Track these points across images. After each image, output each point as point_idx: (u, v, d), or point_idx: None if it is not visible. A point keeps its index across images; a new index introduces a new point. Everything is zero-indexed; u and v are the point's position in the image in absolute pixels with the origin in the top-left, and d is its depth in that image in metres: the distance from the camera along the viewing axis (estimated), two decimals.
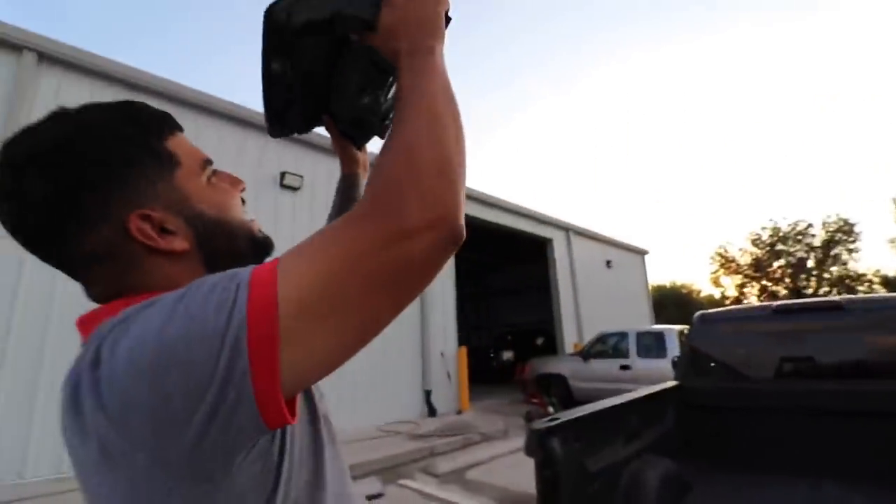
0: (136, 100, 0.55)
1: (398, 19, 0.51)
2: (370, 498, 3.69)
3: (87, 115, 0.50)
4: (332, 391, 6.64)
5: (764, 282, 29.96)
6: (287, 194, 6.92)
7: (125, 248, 0.47)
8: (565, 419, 1.88)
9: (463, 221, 0.43)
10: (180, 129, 0.56)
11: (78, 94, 5.31)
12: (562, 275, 12.51)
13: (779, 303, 3.21)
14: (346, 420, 6.78)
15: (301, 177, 6.98)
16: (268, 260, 0.44)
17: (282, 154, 7.02)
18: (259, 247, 0.60)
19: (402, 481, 4.44)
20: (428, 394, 7.94)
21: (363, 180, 0.90)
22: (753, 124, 58.54)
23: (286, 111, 0.73)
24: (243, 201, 0.61)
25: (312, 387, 0.56)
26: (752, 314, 3.40)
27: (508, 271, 17.92)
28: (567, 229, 13.12)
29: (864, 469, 2.46)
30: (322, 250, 0.40)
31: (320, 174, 7.44)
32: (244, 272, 0.40)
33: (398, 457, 5.26)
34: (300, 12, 0.58)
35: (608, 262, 14.61)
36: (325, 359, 0.40)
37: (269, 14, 0.59)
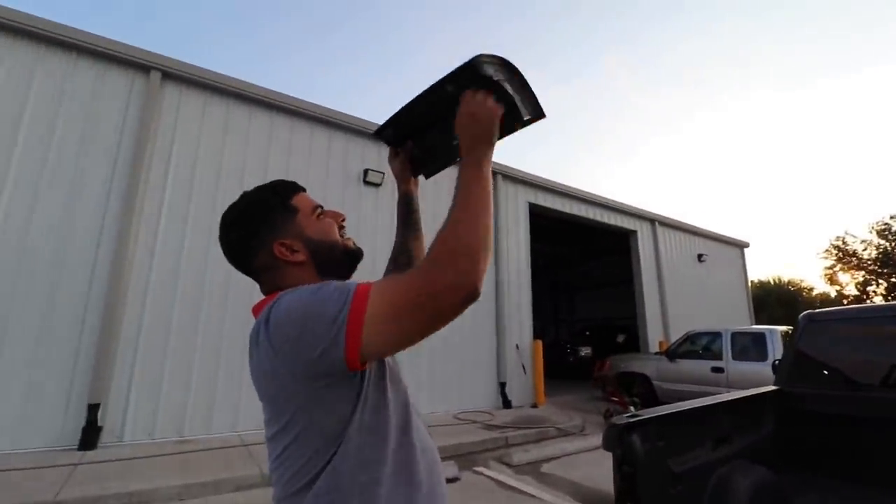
0: (281, 179, 0.94)
1: (463, 127, 0.84)
2: (447, 481, 3.83)
3: (252, 195, 0.89)
4: (412, 378, 6.92)
5: (893, 279, 25.85)
6: (370, 189, 7.29)
7: (274, 262, 0.84)
8: (648, 416, 1.83)
9: (480, 285, 0.67)
10: (303, 189, 0.93)
11: (194, 105, 6.02)
12: (646, 268, 11.82)
13: None
14: (423, 406, 7.04)
15: (382, 173, 7.31)
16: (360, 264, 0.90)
17: (364, 153, 7.41)
18: (351, 255, 0.91)
19: (476, 468, 4.54)
20: (503, 385, 7.97)
21: (416, 196, 1.22)
22: (878, 94, 50.33)
23: (395, 124, 1.02)
24: (342, 227, 0.93)
25: (391, 379, 0.82)
26: (869, 315, 3.01)
27: (589, 264, 17.29)
28: (653, 220, 12.34)
29: None
30: (392, 289, 0.68)
31: None
32: (354, 285, 0.69)
33: (473, 444, 5.37)
34: (500, 78, 0.83)
35: (700, 256, 13.51)
36: (384, 342, 0.69)
37: (479, 63, 0.81)
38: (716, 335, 7.42)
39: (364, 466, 0.70)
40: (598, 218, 11.04)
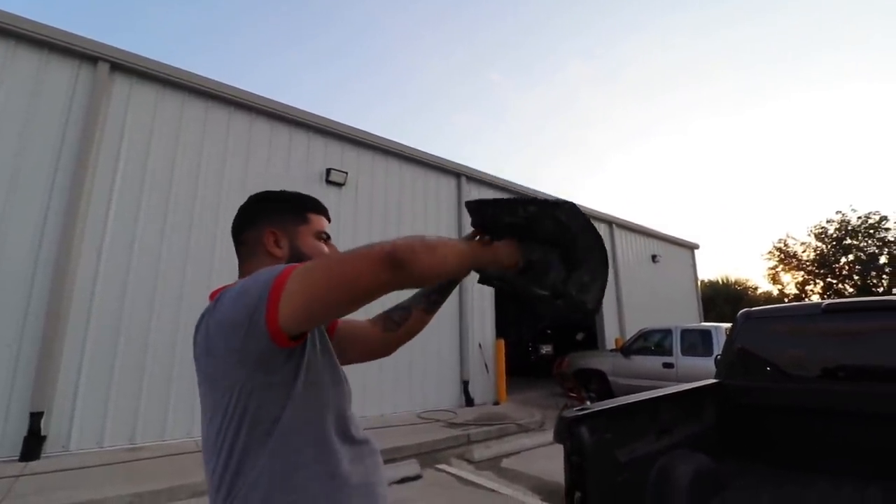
0: (317, 199, 1.02)
1: (501, 250, 0.95)
2: (408, 479, 3.88)
3: (285, 192, 1.00)
4: (374, 379, 6.92)
5: (829, 279, 27.89)
6: (332, 189, 7.22)
7: (257, 244, 0.92)
8: (596, 409, 1.94)
9: (399, 262, 0.71)
10: (328, 216, 1.02)
11: (146, 99, 5.77)
12: None
13: (829, 302, 3.08)
14: (386, 406, 7.05)
15: (345, 173, 7.26)
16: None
17: (327, 151, 7.32)
18: None
19: (439, 466, 4.61)
20: (465, 384, 8.09)
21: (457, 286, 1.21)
22: (822, 107, 54.22)
23: (483, 211, 1.04)
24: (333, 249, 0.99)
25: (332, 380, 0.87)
26: (800, 313, 3.27)
27: None
28: (611, 223, 12.81)
29: None
30: (321, 267, 0.73)
31: (364, 170, 7.70)
32: (280, 269, 0.73)
33: (436, 442, 5.44)
34: (577, 230, 0.90)
35: (654, 257, 14.14)
36: (296, 315, 0.70)
37: (575, 212, 0.89)
38: (667, 332, 7.82)
39: (289, 458, 0.75)
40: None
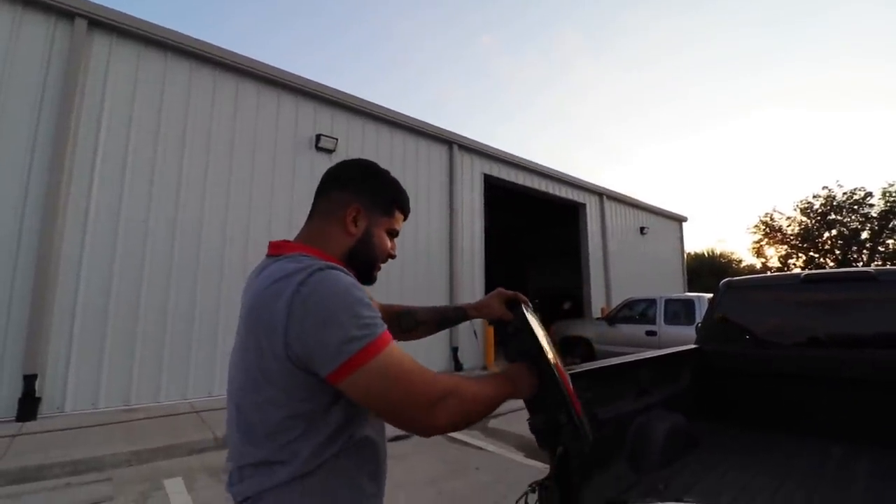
0: (407, 196, 1.00)
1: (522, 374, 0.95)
2: (398, 438, 4.04)
3: (389, 177, 0.98)
4: None
5: (811, 253, 28.47)
6: (322, 156, 7.12)
7: (335, 214, 0.89)
8: (579, 370, 2.03)
9: (432, 433, 0.74)
10: (407, 214, 1.00)
11: (127, 59, 5.57)
12: (593, 240, 12.40)
13: (808, 272, 3.18)
14: None
15: (335, 139, 7.14)
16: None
17: (316, 117, 7.18)
18: (367, 277, 0.94)
19: None
20: (455, 350, 8.29)
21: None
22: (814, 83, 53.91)
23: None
24: (392, 256, 0.98)
25: None
26: (780, 283, 3.38)
27: (540, 235, 17.83)
28: (601, 194, 12.86)
29: (876, 434, 2.52)
30: (402, 372, 0.71)
31: (354, 137, 7.58)
32: (382, 328, 0.73)
33: None
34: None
35: (642, 229, 14.30)
36: (359, 393, 0.70)
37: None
38: (651, 302, 8.02)
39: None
40: (551, 191, 11.37)
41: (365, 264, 0.91)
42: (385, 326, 0.73)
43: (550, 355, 0.97)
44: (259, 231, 6.34)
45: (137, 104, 5.57)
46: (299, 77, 6.93)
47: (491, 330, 8.72)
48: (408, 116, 8.29)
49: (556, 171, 11.39)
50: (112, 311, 5.14)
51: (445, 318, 1.20)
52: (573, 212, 12.73)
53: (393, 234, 0.96)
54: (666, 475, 2.08)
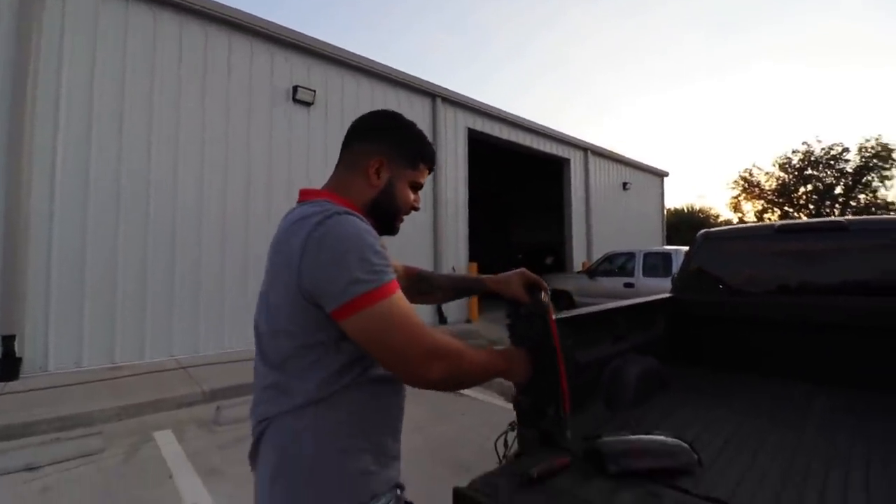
0: (433, 151, 1.00)
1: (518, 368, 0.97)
2: None
3: (415, 129, 0.98)
4: None
5: (786, 208, 29.14)
6: (300, 109, 6.86)
7: (359, 165, 0.91)
8: (559, 317, 2.09)
9: (426, 384, 0.78)
10: (432, 168, 1.01)
11: (84, 3, 5.15)
12: (576, 195, 12.45)
13: (782, 222, 3.26)
14: None
15: (313, 91, 6.86)
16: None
17: (293, 68, 6.85)
18: (388, 228, 0.96)
19: None
20: (439, 304, 8.42)
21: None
22: (811, 37, 53.21)
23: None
24: (415, 209, 0.99)
25: None
26: (755, 233, 3.47)
27: (524, 191, 17.81)
28: (585, 149, 12.80)
29: (838, 375, 2.70)
30: (402, 322, 0.75)
31: (333, 88, 7.29)
32: (390, 277, 0.76)
33: None
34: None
35: (625, 185, 14.38)
36: (358, 333, 0.74)
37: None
38: (630, 255, 8.20)
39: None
40: (535, 146, 11.26)
41: (387, 215, 0.93)
42: (394, 275, 0.76)
43: (557, 349, 0.99)
44: (236, 187, 6.18)
45: (100, 54, 5.21)
46: (273, 24, 6.54)
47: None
48: (389, 67, 7.97)
49: (541, 126, 11.23)
50: (89, 269, 5.03)
51: (463, 287, 1.24)
52: (557, 167, 12.68)
53: (416, 187, 0.97)
54: (638, 413, 2.20)
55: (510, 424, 1.80)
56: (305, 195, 0.89)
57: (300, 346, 0.77)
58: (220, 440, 3.33)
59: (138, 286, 5.35)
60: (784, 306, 2.96)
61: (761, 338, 3.02)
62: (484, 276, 1.19)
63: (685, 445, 1.69)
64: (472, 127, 9.60)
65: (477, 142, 9.98)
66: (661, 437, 1.73)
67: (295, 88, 6.71)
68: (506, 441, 1.82)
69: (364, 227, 0.77)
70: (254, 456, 0.84)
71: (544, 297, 1.07)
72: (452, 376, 0.79)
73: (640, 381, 2.42)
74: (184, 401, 4.14)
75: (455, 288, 1.24)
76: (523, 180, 16.65)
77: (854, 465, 1.70)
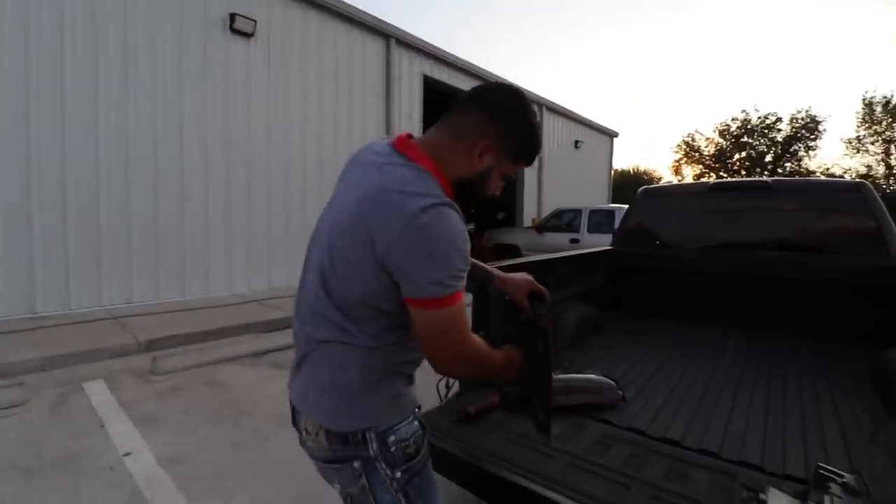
0: (538, 145, 0.96)
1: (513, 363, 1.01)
2: None
3: (531, 124, 0.92)
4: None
5: (722, 173, 30.94)
6: (239, 41, 6.27)
7: (468, 138, 0.87)
8: (501, 264, 2.14)
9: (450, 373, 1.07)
10: (529, 165, 1.01)
11: None
12: None
13: (715, 181, 3.46)
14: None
15: (254, 21, 6.27)
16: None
17: None
18: (468, 205, 0.93)
19: None
20: None
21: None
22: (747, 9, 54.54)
23: None
24: (495, 196, 0.99)
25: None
26: (690, 190, 3.67)
27: None
28: (541, 104, 12.75)
29: (754, 321, 2.98)
30: (452, 331, 0.81)
31: (276, 20, 6.68)
32: (462, 285, 0.80)
33: None
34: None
35: (577, 143, 14.60)
36: (416, 322, 0.82)
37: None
38: (577, 212, 8.47)
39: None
40: None
41: (470, 196, 0.93)
42: (464, 282, 0.80)
43: (549, 363, 1.06)
44: (168, 131, 5.66)
45: None
46: None
47: None
48: (340, 1, 7.40)
49: (500, 77, 11.01)
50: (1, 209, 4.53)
51: (479, 274, 1.24)
52: None
53: (504, 176, 0.96)
54: (572, 354, 2.34)
55: None
56: (403, 146, 0.87)
57: (365, 303, 0.83)
58: (157, 389, 3.23)
59: (58, 231, 4.89)
60: (709, 259, 3.19)
61: (688, 287, 3.26)
62: (494, 272, 1.21)
63: (612, 382, 1.83)
64: (428, 74, 9.24)
65: (433, 91, 9.66)
66: (591, 376, 1.86)
67: (232, 16, 6.09)
68: (447, 383, 1.89)
69: (461, 227, 0.79)
70: (296, 371, 0.93)
71: (545, 309, 1.09)
72: (470, 376, 1.10)
73: (577, 326, 2.56)
74: (117, 351, 3.95)
75: (474, 277, 1.23)
76: None
77: (757, 393, 1.92)
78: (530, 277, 1.15)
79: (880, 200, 2.83)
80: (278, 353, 4.11)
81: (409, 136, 0.91)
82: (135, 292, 5.44)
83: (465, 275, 0.79)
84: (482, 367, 0.90)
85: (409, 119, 8.86)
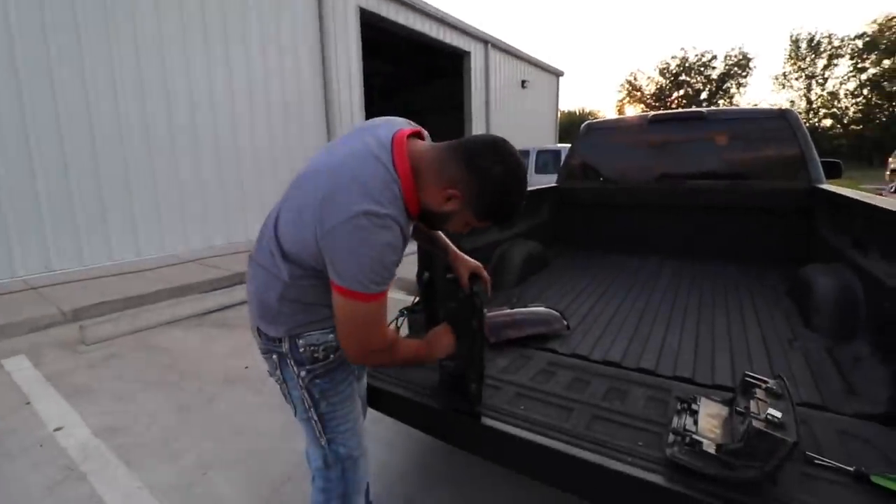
0: (515, 209, 0.98)
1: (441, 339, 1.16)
2: None
3: (509, 198, 0.95)
4: (256, 208, 6.56)
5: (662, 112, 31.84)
6: None
7: (444, 183, 0.92)
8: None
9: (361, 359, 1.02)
10: (500, 225, 1.19)
11: None
12: (476, 92, 12.20)
13: (654, 113, 3.48)
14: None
15: None
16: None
17: None
18: (436, 228, 1.15)
19: None
20: None
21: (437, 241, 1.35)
22: None
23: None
24: (467, 231, 1.04)
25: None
26: (633, 123, 3.68)
27: (424, 89, 17.01)
28: (486, 42, 12.29)
29: (685, 247, 3.13)
30: (364, 323, 0.91)
31: None
32: (379, 289, 0.88)
33: None
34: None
35: (523, 83, 14.36)
36: (335, 306, 0.92)
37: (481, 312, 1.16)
38: (524, 152, 8.45)
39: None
40: (435, 34, 10.50)
41: (431, 225, 1.03)
42: (387, 288, 0.89)
43: (483, 340, 1.18)
44: (72, 84, 4.94)
45: None
46: None
47: None
48: None
49: (442, 12, 10.40)
50: None
51: (439, 246, 1.32)
52: (458, 62, 12.12)
53: (467, 227, 1.01)
54: (519, 290, 2.37)
55: (401, 311, 1.84)
56: (399, 148, 0.91)
57: (298, 252, 0.92)
58: (89, 360, 3.01)
59: None
60: (647, 192, 3.28)
61: (628, 219, 3.37)
62: (451, 248, 1.31)
63: (557, 313, 1.87)
64: (364, 7, 8.55)
65: (372, 27, 9.00)
66: (537, 308, 1.88)
67: None
68: (397, 326, 1.87)
69: (396, 243, 0.87)
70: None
71: (482, 291, 1.20)
72: (381, 365, 1.26)
73: (523, 263, 2.58)
74: (39, 324, 3.62)
75: (433, 243, 1.35)
76: (423, 76, 15.80)
77: (689, 314, 2.03)
78: (479, 265, 1.29)
79: (804, 127, 2.96)
80: (223, 312, 3.93)
81: (417, 136, 0.99)
82: (53, 258, 4.95)
83: (386, 281, 0.87)
84: (394, 359, 1.00)
85: (348, 56, 8.26)
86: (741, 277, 2.58)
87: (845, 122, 28.43)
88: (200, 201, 6.26)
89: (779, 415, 0.94)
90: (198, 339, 3.34)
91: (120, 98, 5.36)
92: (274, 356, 1.04)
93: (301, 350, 1.00)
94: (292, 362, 1.02)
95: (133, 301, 4.13)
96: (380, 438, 1.97)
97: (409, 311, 1.87)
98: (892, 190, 10.03)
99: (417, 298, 1.88)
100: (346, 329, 0.90)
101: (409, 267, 1.82)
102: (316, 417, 1.05)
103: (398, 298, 4.28)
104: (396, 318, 1.92)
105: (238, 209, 6.64)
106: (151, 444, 2.06)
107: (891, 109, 26.66)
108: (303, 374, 1.02)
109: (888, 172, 12.82)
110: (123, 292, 4.22)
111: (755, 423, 0.90)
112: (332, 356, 1.03)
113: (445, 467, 1.82)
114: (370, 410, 1.41)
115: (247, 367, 2.79)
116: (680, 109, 3.99)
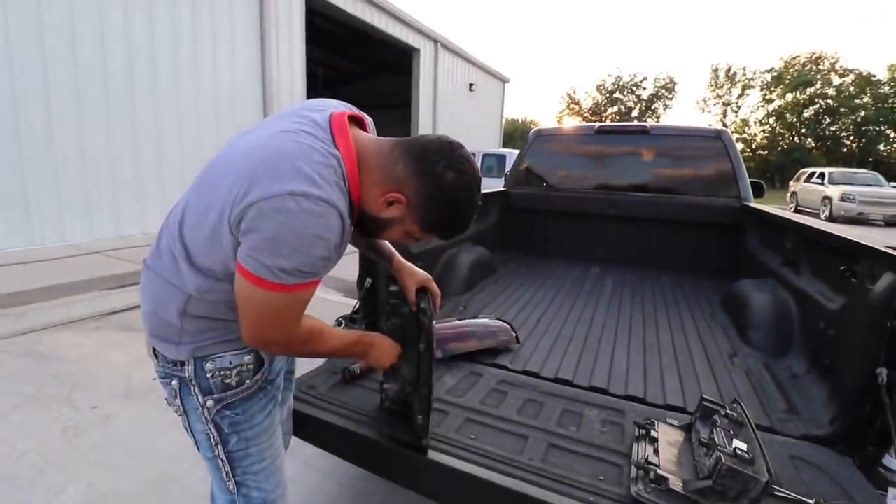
0: (461, 227, 0.86)
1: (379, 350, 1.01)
2: None
3: (459, 212, 0.82)
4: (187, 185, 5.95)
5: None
6: None
7: (385, 182, 0.78)
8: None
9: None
10: (448, 239, 1.11)
11: None
12: (424, 91, 12.06)
13: (601, 124, 3.55)
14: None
15: None
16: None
17: None
18: (370, 235, 0.92)
19: None
20: None
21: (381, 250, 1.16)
22: None
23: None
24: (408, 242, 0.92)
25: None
26: (580, 132, 3.73)
27: (371, 83, 16.60)
28: (436, 41, 12.19)
29: (626, 257, 3.20)
30: (266, 309, 0.74)
31: None
32: (302, 280, 0.72)
33: None
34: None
35: (471, 86, 14.44)
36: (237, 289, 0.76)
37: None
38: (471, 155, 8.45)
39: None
40: (384, 27, 10.21)
41: (364, 231, 0.87)
42: (312, 281, 0.73)
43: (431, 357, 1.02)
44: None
45: None
46: None
47: None
48: None
49: (395, 6, 10.15)
50: None
51: (383, 254, 1.14)
52: (407, 59, 11.90)
53: (414, 238, 0.87)
54: (467, 297, 2.26)
55: (337, 320, 1.66)
56: (339, 130, 0.77)
57: (208, 269, 0.77)
58: None
59: None
60: (590, 200, 3.33)
61: (572, 227, 3.39)
62: (395, 258, 1.13)
63: (506, 325, 1.77)
64: None
65: (318, 15, 8.56)
66: (486, 320, 1.77)
67: None
68: None
69: (327, 235, 0.70)
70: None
71: (430, 304, 1.04)
72: (301, 355, 0.90)
73: (470, 269, 2.48)
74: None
75: (369, 246, 1.17)
76: (371, 71, 15.41)
77: (634, 327, 2.01)
78: (430, 278, 1.11)
79: (737, 148, 3.13)
80: (128, 313, 3.47)
81: (358, 120, 0.85)
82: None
83: (307, 277, 0.71)
84: (324, 351, 0.88)
85: (290, 44, 7.78)
86: (678, 288, 2.64)
87: (753, 147, 31.53)
88: (111, 185, 5.57)
89: (744, 446, 0.89)
90: (96, 345, 2.91)
91: (15, 63, 4.62)
92: (173, 382, 0.86)
93: (209, 375, 0.83)
94: (196, 390, 0.84)
95: (18, 297, 3.54)
96: (310, 464, 1.76)
97: (346, 321, 1.69)
98: (792, 210, 11.22)
99: (358, 305, 1.71)
100: (246, 315, 0.75)
101: (347, 268, 1.65)
102: (223, 457, 0.88)
103: (334, 301, 4.04)
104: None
105: (153, 194, 6.01)
106: (25, 474, 1.71)
107: (791, 138, 29.97)
108: (209, 403, 0.84)
109: (789, 194, 14.33)
110: (6, 287, 3.61)
111: (725, 460, 0.84)
112: (247, 382, 0.85)
113: (388, 497, 1.66)
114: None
115: (154, 379, 2.44)
116: (625, 122, 4.14)
